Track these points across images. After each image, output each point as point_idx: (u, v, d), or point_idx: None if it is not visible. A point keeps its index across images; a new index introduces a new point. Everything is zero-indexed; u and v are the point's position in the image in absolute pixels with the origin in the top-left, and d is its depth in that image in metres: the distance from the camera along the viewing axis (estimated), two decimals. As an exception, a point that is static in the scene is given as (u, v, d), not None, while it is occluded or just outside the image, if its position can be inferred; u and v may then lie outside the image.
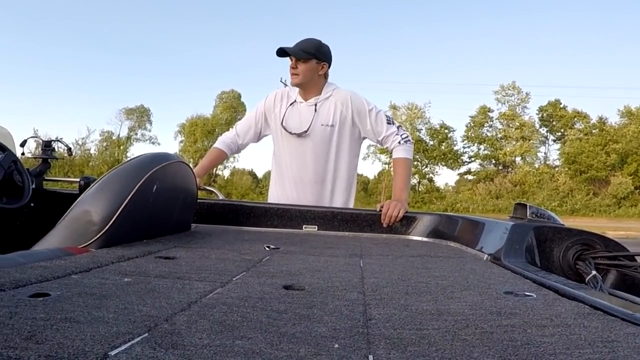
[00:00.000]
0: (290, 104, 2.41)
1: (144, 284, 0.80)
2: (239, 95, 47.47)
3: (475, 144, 40.74)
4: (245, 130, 2.53)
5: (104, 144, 49.16)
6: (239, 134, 2.54)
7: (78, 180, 1.99)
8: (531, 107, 40.33)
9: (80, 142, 48.22)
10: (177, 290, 0.77)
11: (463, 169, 41.42)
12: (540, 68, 58.94)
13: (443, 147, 40.17)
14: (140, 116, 49.72)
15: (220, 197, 2.35)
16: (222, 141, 2.56)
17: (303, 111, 2.38)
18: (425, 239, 1.92)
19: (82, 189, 1.70)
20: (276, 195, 2.47)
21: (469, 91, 67.38)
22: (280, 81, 37.91)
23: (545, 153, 40.79)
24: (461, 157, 41.21)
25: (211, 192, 2.51)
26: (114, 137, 49.19)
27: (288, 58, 2.35)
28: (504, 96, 40.14)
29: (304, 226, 1.99)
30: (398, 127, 2.39)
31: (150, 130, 50.23)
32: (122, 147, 49.02)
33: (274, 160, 2.53)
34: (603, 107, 74.93)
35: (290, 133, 2.37)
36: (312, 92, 2.39)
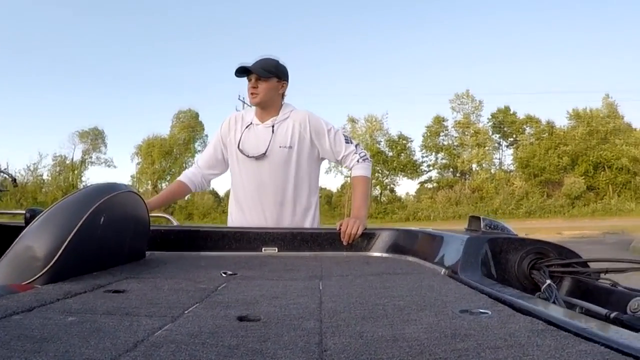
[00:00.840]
0: (247, 127, 2.36)
1: (89, 323, 0.76)
2: (197, 115, 47.01)
3: (433, 153, 41.61)
4: (206, 160, 2.47)
5: (57, 168, 47.70)
6: (201, 166, 2.47)
7: (24, 212, 1.89)
8: (484, 115, 41.50)
9: (32, 168, 46.67)
10: (124, 329, 0.73)
11: (423, 178, 42.19)
12: (491, 76, 60.90)
13: (402, 158, 40.79)
14: (94, 139, 48.54)
15: (175, 224, 2.30)
16: (185, 174, 2.49)
17: (260, 133, 2.33)
18: (384, 255, 1.91)
19: (28, 221, 1.62)
20: (236, 219, 2.40)
21: (425, 100, 68.93)
22: (239, 99, 37.84)
23: (499, 159, 42.01)
24: (420, 167, 41.99)
25: (166, 218, 2.45)
26: (67, 162, 47.79)
27: (246, 77, 2.32)
28: (458, 104, 41.23)
29: (263, 248, 1.94)
30: (356, 146, 2.38)
31: (105, 153, 49.08)
32: (76, 172, 47.66)
33: (232, 184, 2.46)
34: (552, 111, 77.77)
35: (247, 156, 2.31)
36: (270, 112, 2.36)
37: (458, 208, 35.01)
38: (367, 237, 2.00)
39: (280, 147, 2.29)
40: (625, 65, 55.74)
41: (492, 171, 39.80)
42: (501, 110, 41.42)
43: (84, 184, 48.63)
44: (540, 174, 36.39)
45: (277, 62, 2.34)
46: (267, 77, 2.28)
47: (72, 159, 47.83)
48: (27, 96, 60.26)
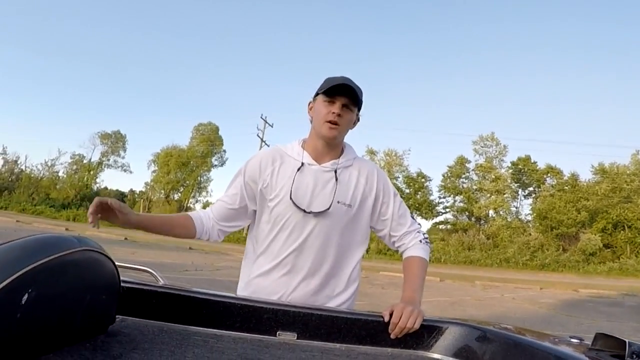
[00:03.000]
0: (299, 169, 1.77)
1: None
2: (217, 129, 47.18)
3: (452, 195, 40.93)
4: (223, 210, 1.85)
5: (74, 167, 48.02)
6: (215, 217, 1.86)
7: None
8: (507, 160, 40.93)
9: (49, 163, 47.02)
10: None
11: (437, 219, 41.49)
12: (518, 121, 60.47)
13: (419, 196, 40.20)
14: (115, 142, 49.02)
15: (161, 282, 1.68)
16: (197, 213, 1.88)
17: (316, 179, 1.76)
18: (447, 359, 1.39)
19: None
20: (256, 284, 1.81)
21: (447, 140, 68.55)
22: (261, 117, 37.96)
23: (516, 207, 41.24)
24: (436, 208, 41.30)
25: (149, 273, 1.82)
26: (84, 161, 48.09)
27: (325, 98, 1.73)
28: (482, 147, 40.71)
29: (278, 332, 1.42)
30: (419, 225, 1.92)
31: (123, 157, 49.47)
32: (92, 172, 47.89)
33: (257, 239, 1.86)
34: (576, 163, 76.78)
35: (304, 210, 1.73)
36: (332, 152, 1.80)
37: (470, 253, 34.16)
38: (424, 331, 1.45)
39: (338, 202, 1.75)
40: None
41: (509, 219, 39.02)
42: (521, 159, 40.85)
43: (97, 185, 48.95)
44: (557, 227, 35.52)
45: (361, 89, 1.78)
46: (355, 106, 1.75)
47: (90, 159, 48.17)
48: (54, 93, 61.25)
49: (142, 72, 64.32)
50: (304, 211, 1.73)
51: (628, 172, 36.73)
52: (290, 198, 1.74)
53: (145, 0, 61.90)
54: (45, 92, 61.30)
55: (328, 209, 1.73)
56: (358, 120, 1.85)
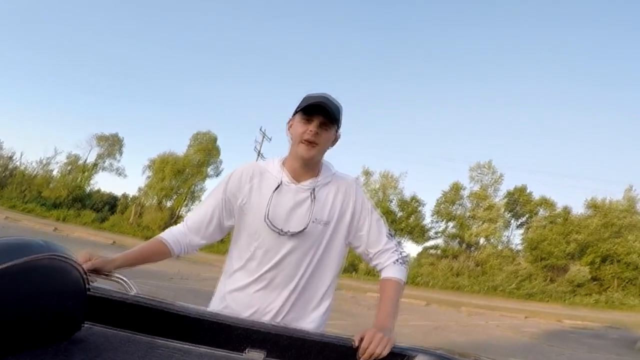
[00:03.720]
0: (275, 189, 1.78)
1: None
2: (215, 139, 47.09)
3: (444, 221, 40.96)
4: (197, 224, 1.86)
5: (69, 167, 47.78)
6: (189, 227, 1.87)
7: None
8: (502, 189, 41.08)
9: (44, 162, 46.79)
10: None
11: (428, 243, 41.41)
12: (514, 151, 60.84)
13: (411, 220, 40.14)
14: (112, 144, 48.85)
15: (133, 292, 1.65)
16: (170, 232, 1.88)
17: (294, 199, 1.77)
18: None
19: None
20: (230, 299, 1.83)
21: (445, 166, 68.76)
22: (260, 130, 38.09)
23: (508, 236, 41.28)
24: (427, 232, 41.28)
25: (122, 282, 1.76)
26: (80, 162, 47.90)
27: (303, 116, 1.73)
28: (478, 174, 40.81)
29: (247, 350, 1.40)
30: (398, 243, 1.90)
31: (119, 161, 49.27)
32: (86, 174, 47.69)
33: (235, 256, 1.87)
34: (569, 196, 77.16)
35: (279, 232, 1.75)
36: (310, 171, 1.81)
37: (458, 279, 34.07)
38: (393, 358, 1.43)
39: (314, 221, 1.76)
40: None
41: (499, 247, 39.04)
42: (518, 188, 40.99)
43: (91, 187, 48.70)
44: (547, 257, 35.56)
45: (341, 106, 1.80)
46: (333, 124, 1.75)
47: (86, 160, 47.98)
48: (55, 93, 61.32)
49: (144, 77, 64.50)
50: (280, 232, 1.75)
51: (620, 207, 36.91)
52: (267, 219, 1.75)
53: (151, 5, 62.30)
54: (46, 91, 61.24)
55: (304, 229, 1.74)
56: (338, 138, 1.86)
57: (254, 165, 1.88)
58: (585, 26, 55.79)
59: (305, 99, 1.77)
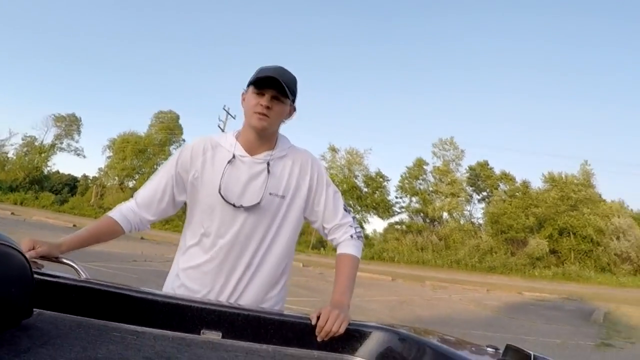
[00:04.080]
0: (229, 162, 1.73)
1: None
2: (177, 117, 46.31)
3: (408, 196, 41.58)
4: (148, 199, 1.80)
5: (25, 149, 46.17)
6: (139, 204, 1.81)
7: None
8: (464, 164, 41.87)
9: (-2, 144, 45.10)
10: None
11: (393, 219, 42.02)
12: (476, 127, 61.99)
13: (376, 196, 40.60)
14: (69, 124, 47.37)
15: (83, 276, 1.58)
16: (119, 210, 1.81)
17: (250, 173, 1.73)
18: None
19: None
20: (185, 279, 1.77)
21: (407, 142, 69.56)
22: (223, 108, 37.37)
23: (470, 211, 42.23)
24: (392, 207, 41.87)
25: (72, 267, 1.67)
26: (36, 144, 46.32)
27: (255, 90, 1.69)
28: (440, 150, 41.44)
29: (202, 331, 1.38)
30: (353, 218, 1.87)
31: (77, 141, 47.89)
32: (43, 155, 46.18)
33: (189, 232, 1.82)
34: (529, 171, 79.32)
35: (233, 205, 1.70)
36: (264, 143, 1.76)
37: (422, 254, 34.81)
38: (349, 335, 1.45)
39: (270, 194, 1.73)
40: (606, 136, 57.65)
41: (462, 222, 39.93)
42: (480, 163, 41.84)
43: (49, 168, 47.30)
44: (507, 231, 36.57)
45: (296, 78, 1.76)
46: (286, 97, 1.70)
47: (42, 141, 46.44)
48: (6, 74, 58.82)
49: (102, 56, 62.50)
50: (233, 205, 1.71)
51: (576, 181, 38.14)
52: (220, 192, 1.70)
53: (108, -20, 60.06)
54: (-4, 69, 58.75)
55: (258, 202, 1.71)
56: (294, 110, 1.82)
57: (207, 138, 1.82)
58: (540, 4, 56.79)
59: (258, 71, 1.73)
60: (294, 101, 1.78)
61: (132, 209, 1.81)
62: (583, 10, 55.05)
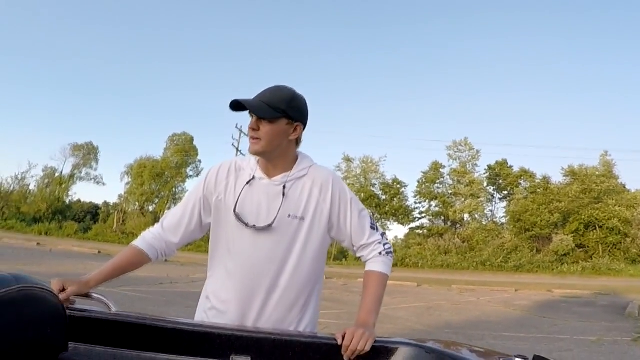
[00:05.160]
0: (248, 183, 1.74)
1: None
2: (192, 139, 46.77)
3: (427, 200, 41.36)
4: (175, 223, 1.80)
5: (45, 180, 47.03)
6: (166, 228, 1.81)
7: None
8: (481, 165, 41.60)
9: (19, 177, 46.00)
10: None
11: (413, 224, 41.78)
12: (491, 127, 61.51)
13: (395, 203, 40.48)
14: (87, 153, 48.21)
15: (113, 309, 1.61)
16: (143, 238, 1.81)
17: (266, 194, 1.73)
18: None
19: None
20: (215, 298, 1.78)
21: (422, 146, 69.41)
22: (236, 127, 37.73)
23: (492, 210, 41.84)
24: (412, 213, 41.67)
25: (101, 301, 1.68)
26: (56, 174, 47.16)
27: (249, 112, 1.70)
28: (455, 152, 41.27)
29: (232, 357, 1.42)
30: (382, 235, 1.85)
31: (95, 170, 48.69)
32: (63, 186, 46.98)
33: (214, 255, 1.82)
34: (549, 166, 78.35)
35: (246, 225, 1.70)
36: (279, 165, 1.75)
37: (447, 257, 34.53)
38: (376, 352, 1.47)
39: (289, 216, 1.71)
40: (624, 125, 56.78)
41: (484, 222, 39.56)
42: (499, 162, 41.57)
43: (70, 198, 48.09)
44: (531, 228, 36.15)
45: (291, 95, 1.71)
46: (273, 117, 1.66)
47: (62, 171, 47.27)
48: (23, 106, 60.13)
49: (114, 82, 63.61)
50: (246, 225, 1.70)
51: (597, 173, 37.62)
52: (235, 212, 1.71)
53: (118, 7, 61.27)
54: (13, 102, 60.06)
55: (271, 224, 1.69)
56: (297, 127, 1.75)
57: (232, 161, 1.83)
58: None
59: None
60: (294, 118, 1.72)
61: (157, 235, 1.81)
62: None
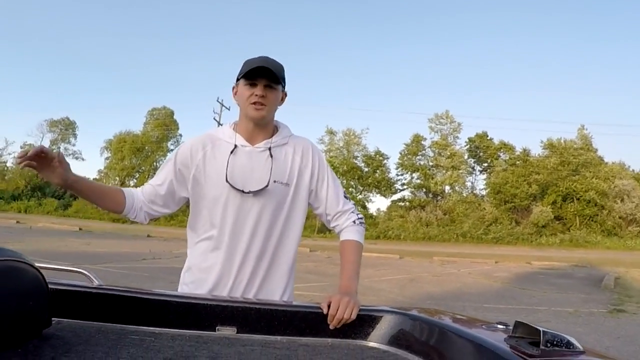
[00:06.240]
0: (231, 152, 1.75)
1: None
2: (172, 113, 46.18)
3: (409, 172, 41.65)
4: (151, 193, 1.82)
5: (23, 157, 46.13)
6: (145, 195, 1.82)
7: None
8: (462, 137, 41.92)
9: (-4, 154, 45.10)
10: None
11: (396, 196, 42.13)
12: (471, 100, 61.78)
13: (377, 175, 40.70)
14: (64, 129, 47.40)
15: (95, 283, 1.60)
16: (130, 190, 1.83)
17: (251, 160, 1.75)
18: (384, 347, 1.43)
19: None
20: (198, 270, 1.80)
21: (404, 119, 69.49)
22: (217, 101, 37.27)
23: (472, 182, 42.30)
24: (394, 185, 41.96)
25: (83, 274, 1.71)
26: (33, 150, 46.26)
27: (246, 82, 1.72)
28: (437, 124, 41.43)
29: (217, 327, 1.42)
30: (354, 205, 1.91)
31: (74, 145, 47.97)
32: (42, 162, 46.15)
33: (196, 227, 1.83)
34: (529, 139, 79.26)
35: (242, 191, 1.72)
36: (263, 132, 1.79)
37: (428, 229, 34.95)
38: (361, 320, 1.49)
39: (275, 181, 1.74)
40: (602, 100, 57.47)
41: (464, 194, 40.02)
42: (479, 135, 41.87)
43: (49, 174, 47.18)
44: (510, 200, 36.69)
45: (282, 65, 1.79)
46: (278, 84, 1.74)
47: (39, 148, 46.37)
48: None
49: (91, 57, 62.14)
50: (242, 192, 1.73)
51: (575, 146, 38.15)
52: (227, 180, 1.72)
53: (90, -20, 59.45)
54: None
55: (266, 186, 1.73)
56: (285, 95, 1.85)
57: (204, 136, 1.85)
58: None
59: (246, 63, 1.75)
60: (284, 87, 1.82)
61: (140, 196, 1.82)
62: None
